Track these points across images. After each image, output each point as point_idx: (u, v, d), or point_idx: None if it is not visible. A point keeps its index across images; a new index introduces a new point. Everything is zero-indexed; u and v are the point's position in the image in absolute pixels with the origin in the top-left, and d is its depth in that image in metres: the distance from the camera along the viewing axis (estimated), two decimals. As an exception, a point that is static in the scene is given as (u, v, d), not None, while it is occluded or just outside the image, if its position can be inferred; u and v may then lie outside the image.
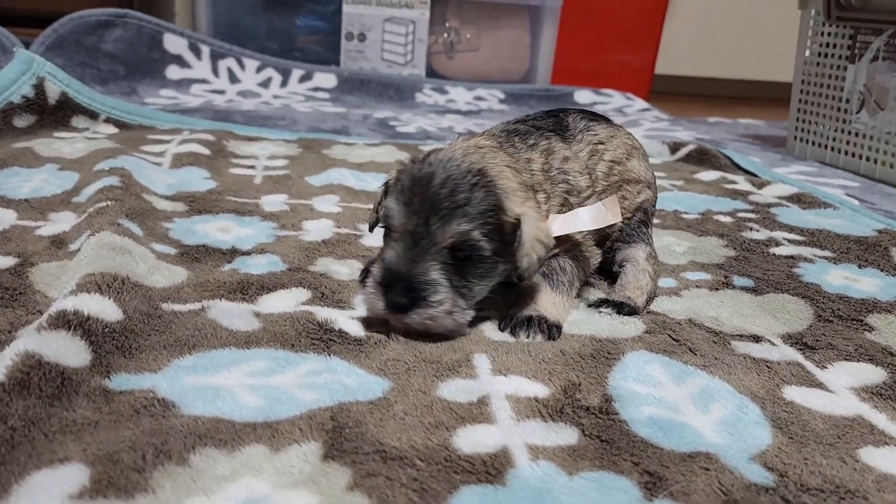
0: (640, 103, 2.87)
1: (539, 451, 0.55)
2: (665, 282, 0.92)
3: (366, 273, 0.84)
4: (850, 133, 1.87)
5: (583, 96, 2.84)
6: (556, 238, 0.78)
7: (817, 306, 0.87)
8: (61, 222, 0.96)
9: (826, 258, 1.05)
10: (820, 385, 0.69)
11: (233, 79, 2.48)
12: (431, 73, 2.84)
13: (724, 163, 1.66)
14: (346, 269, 0.89)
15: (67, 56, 2.21)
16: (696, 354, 0.73)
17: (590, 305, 0.83)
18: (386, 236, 0.73)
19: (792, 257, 1.05)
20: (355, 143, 1.63)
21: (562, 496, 0.50)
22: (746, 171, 1.62)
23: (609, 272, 0.91)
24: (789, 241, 1.13)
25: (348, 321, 0.74)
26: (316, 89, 2.55)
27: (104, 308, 0.67)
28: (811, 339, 0.79)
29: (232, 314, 0.73)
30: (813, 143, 2.00)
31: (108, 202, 0.96)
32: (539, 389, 0.64)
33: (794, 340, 0.78)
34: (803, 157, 2.03)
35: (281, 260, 0.90)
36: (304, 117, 2.09)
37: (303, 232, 1.01)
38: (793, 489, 0.53)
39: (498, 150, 0.76)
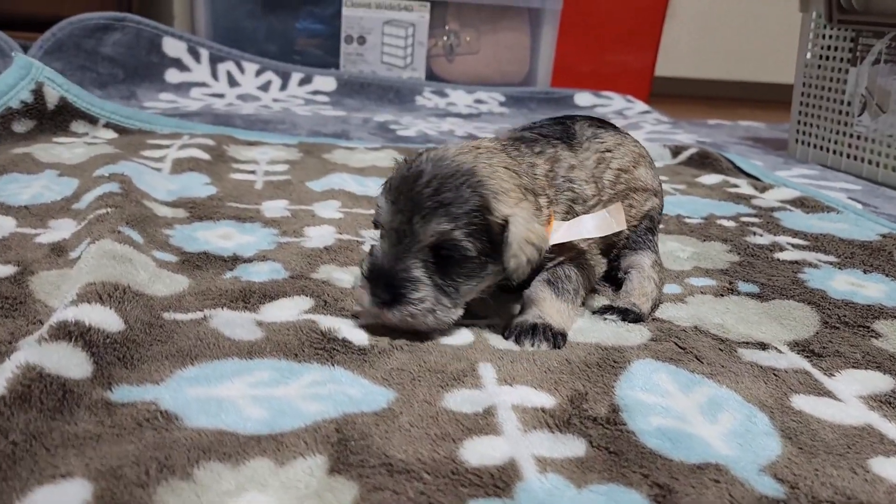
0: (641, 105, 2.86)
1: (547, 463, 0.54)
2: (670, 288, 0.92)
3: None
4: (851, 136, 1.86)
5: (583, 99, 2.83)
6: (561, 246, 0.77)
7: (823, 312, 0.87)
8: (61, 229, 0.95)
9: (831, 263, 1.05)
10: (828, 393, 0.68)
11: (232, 82, 2.47)
12: (431, 76, 2.83)
13: (726, 166, 1.65)
14: (348, 277, 0.88)
15: (66, 60, 2.20)
16: (702, 363, 0.72)
17: (594, 312, 0.82)
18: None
19: (796, 262, 1.04)
20: (356, 147, 1.62)
21: (571, 510, 0.49)
22: (748, 175, 1.61)
23: (614, 278, 0.91)
24: (793, 245, 1.12)
25: (352, 330, 0.73)
26: (315, 93, 2.54)
27: (105, 318, 0.66)
28: (818, 347, 0.78)
29: (234, 323, 0.72)
30: (814, 146, 2.00)
31: (108, 209, 0.95)
32: (545, 399, 0.63)
33: (801, 348, 0.78)
34: (805, 160, 2.02)
35: (283, 267, 0.89)
36: (304, 121, 2.08)
37: (304, 238, 1.00)
38: (804, 501, 0.52)
39: (498, 151, 0.76)
